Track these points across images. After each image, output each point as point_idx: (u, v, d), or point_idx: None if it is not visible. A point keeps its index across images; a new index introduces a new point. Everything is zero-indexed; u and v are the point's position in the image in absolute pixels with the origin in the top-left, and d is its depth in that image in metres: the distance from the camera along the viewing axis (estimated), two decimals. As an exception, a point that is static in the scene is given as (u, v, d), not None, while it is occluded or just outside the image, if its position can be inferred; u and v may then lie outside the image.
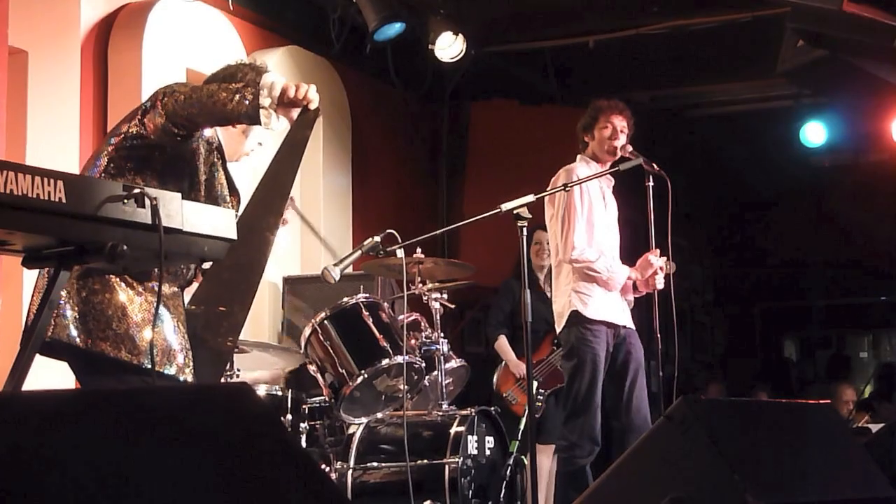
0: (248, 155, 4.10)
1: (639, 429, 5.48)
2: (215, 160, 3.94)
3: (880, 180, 10.83)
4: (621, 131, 5.79)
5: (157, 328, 3.66)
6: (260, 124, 3.63)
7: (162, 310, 3.71)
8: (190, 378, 3.72)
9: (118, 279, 3.68)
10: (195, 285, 3.93)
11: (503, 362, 7.53)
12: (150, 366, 3.57)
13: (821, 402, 3.64)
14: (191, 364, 3.74)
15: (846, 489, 3.13)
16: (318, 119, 3.81)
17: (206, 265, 3.77)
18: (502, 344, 7.54)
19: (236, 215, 3.91)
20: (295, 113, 3.72)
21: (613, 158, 5.75)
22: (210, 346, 3.78)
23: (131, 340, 3.63)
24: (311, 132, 3.79)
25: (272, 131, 3.77)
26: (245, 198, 3.98)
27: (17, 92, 5.95)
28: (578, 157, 5.90)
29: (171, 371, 3.68)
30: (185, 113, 3.64)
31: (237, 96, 3.57)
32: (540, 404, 7.24)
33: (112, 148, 3.76)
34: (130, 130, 3.75)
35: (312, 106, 3.69)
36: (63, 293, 3.60)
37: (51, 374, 5.01)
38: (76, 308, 3.63)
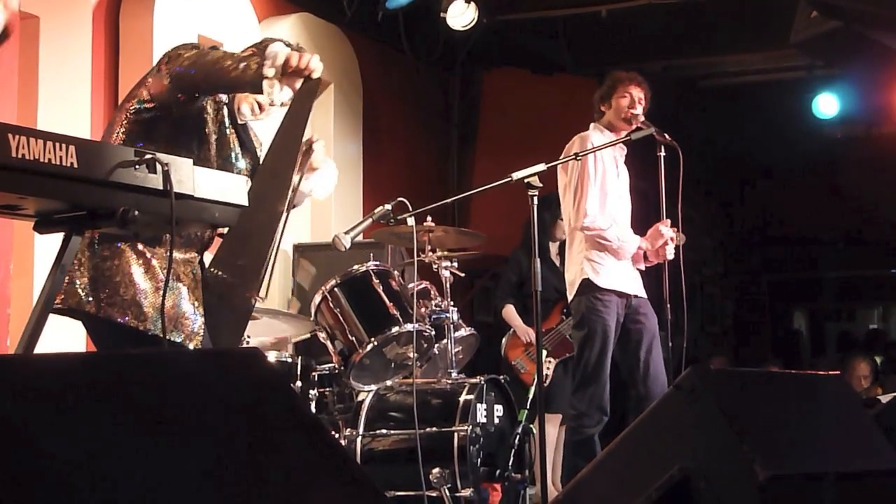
0: (278, 105, 4.07)
1: (657, 397, 5.47)
2: (225, 118, 3.94)
3: (893, 152, 10.81)
4: (639, 101, 5.79)
5: (167, 294, 3.67)
6: (262, 93, 3.61)
7: (173, 276, 3.72)
8: (199, 346, 3.73)
9: (128, 246, 3.68)
10: (210, 253, 3.94)
11: (511, 330, 7.54)
12: (156, 332, 3.58)
13: (831, 373, 3.64)
14: (202, 332, 3.74)
15: (856, 460, 3.13)
16: (326, 87, 3.80)
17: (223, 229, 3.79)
18: (509, 312, 7.54)
19: (250, 174, 3.92)
20: (299, 83, 3.70)
21: (629, 128, 5.74)
22: (226, 313, 3.80)
23: (138, 307, 3.65)
24: (313, 102, 3.78)
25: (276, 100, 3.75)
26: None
27: (28, 57, 5.95)
28: (592, 125, 5.89)
29: (178, 339, 3.69)
30: (189, 77, 3.64)
31: (241, 65, 3.56)
32: (548, 373, 7.25)
33: (125, 114, 3.77)
34: (140, 95, 3.76)
35: (315, 75, 3.66)
36: (75, 261, 3.62)
37: (64, 338, 5.03)
38: (87, 275, 3.65)
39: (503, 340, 7.58)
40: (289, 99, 3.76)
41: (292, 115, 3.76)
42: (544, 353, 7.24)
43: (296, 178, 4.08)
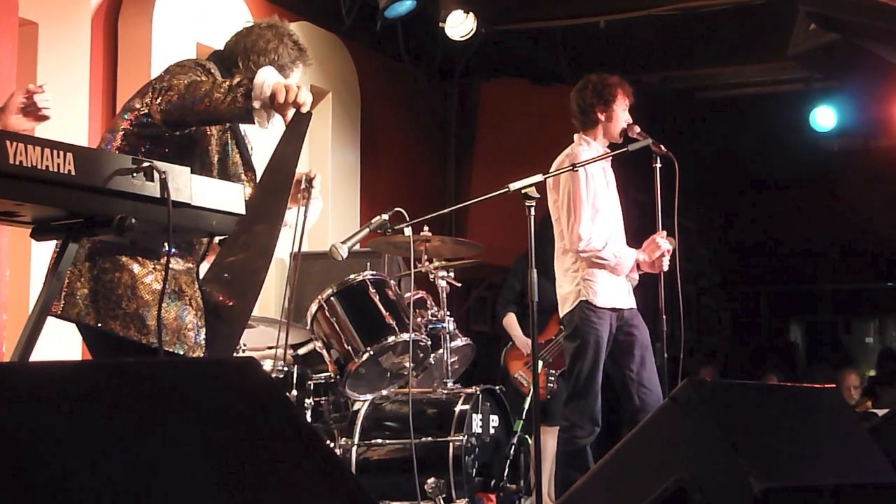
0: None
1: (652, 408, 5.47)
2: (229, 139, 3.93)
3: (890, 165, 10.82)
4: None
5: (168, 307, 3.66)
6: (254, 123, 3.60)
7: (174, 287, 3.71)
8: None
9: (129, 258, 3.67)
10: (207, 264, 3.93)
11: (511, 342, 7.52)
12: (158, 345, 3.57)
13: (826, 385, 3.64)
14: (203, 343, 3.73)
15: (851, 473, 3.13)
16: (324, 97, 3.76)
17: (219, 240, 3.78)
18: (510, 321, 7.52)
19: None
20: (290, 112, 3.66)
21: (620, 139, 5.72)
22: (220, 325, 3.79)
23: (140, 320, 3.63)
24: (304, 133, 3.73)
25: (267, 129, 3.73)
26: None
27: (27, 64, 5.95)
28: (577, 136, 5.81)
29: (180, 350, 3.67)
30: (177, 114, 3.62)
31: (229, 98, 3.53)
32: (553, 385, 7.21)
33: (127, 124, 3.76)
34: (142, 110, 3.74)
35: (304, 109, 3.63)
36: (74, 272, 3.61)
37: (61, 345, 5.03)
38: (86, 286, 3.64)
39: (503, 352, 7.56)
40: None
41: (284, 146, 3.71)
42: (546, 364, 7.23)
43: (296, 215, 4.07)
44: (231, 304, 3.75)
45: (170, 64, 3.89)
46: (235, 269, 3.72)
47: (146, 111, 3.73)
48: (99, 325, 3.62)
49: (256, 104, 3.51)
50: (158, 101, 3.64)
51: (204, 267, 3.91)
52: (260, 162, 3.99)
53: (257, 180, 3.97)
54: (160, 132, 3.72)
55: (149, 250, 3.68)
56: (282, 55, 4.02)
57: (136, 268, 3.68)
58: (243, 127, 4.02)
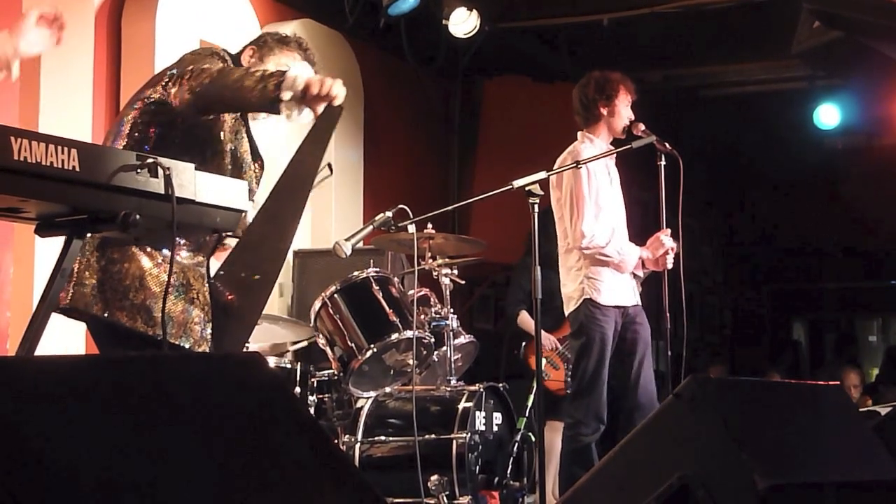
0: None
1: (645, 407, 5.48)
2: (240, 127, 3.92)
3: (893, 163, 10.81)
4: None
5: (175, 300, 3.66)
6: (279, 114, 3.59)
7: (182, 281, 3.71)
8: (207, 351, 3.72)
9: (138, 248, 3.66)
10: (214, 262, 3.93)
11: (528, 339, 7.49)
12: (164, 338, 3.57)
13: (830, 383, 3.64)
14: (209, 338, 3.73)
15: (855, 471, 3.13)
16: (341, 113, 3.73)
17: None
18: (525, 319, 7.51)
19: (258, 181, 3.92)
20: (321, 106, 3.65)
21: (622, 135, 5.71)
22: (230, 323, 3.79)
23: (147, 311, 3.63)
24: (335, 126, 3.72)
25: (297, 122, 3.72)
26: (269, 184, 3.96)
27: (30, 61, 5.94)
28: (580, 133, 5.81)
29: (186, 343, 3.67)
30: (209, 97, 3.60)
31: (260, 86, 3.50)
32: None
33: (136, 112, 3.75)
34: (153, 96, 3.73)
35: (337, 102, 3.62)
36: (83, 262, 3.61)
37: (65, 340, 5.03)
38: (94, 277, 3.63)
39: (522, 347, 7.56)
40: (310, 120, 3.71)
41: (312, 138, 3.70)
42: (566, 360, 7.23)
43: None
44: (241, 302, 3.75)
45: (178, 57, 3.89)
46: (247, 268, 3.72)
47: (158, 97, 3.70)
48: (105, 314, 3.62)
49: (286, 95, 3.49)
50: (190, 83, 3.60)
51: (215, 264, 3.91)
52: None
53: (263, 169, 3.98)
54: (172, 119, 3.71)
55: (158, 241, 3.67)
56: (290, 61, 4.03)
57: (144, 259, 3.67)
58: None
